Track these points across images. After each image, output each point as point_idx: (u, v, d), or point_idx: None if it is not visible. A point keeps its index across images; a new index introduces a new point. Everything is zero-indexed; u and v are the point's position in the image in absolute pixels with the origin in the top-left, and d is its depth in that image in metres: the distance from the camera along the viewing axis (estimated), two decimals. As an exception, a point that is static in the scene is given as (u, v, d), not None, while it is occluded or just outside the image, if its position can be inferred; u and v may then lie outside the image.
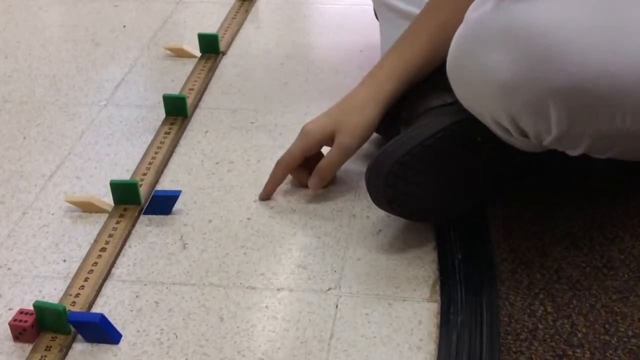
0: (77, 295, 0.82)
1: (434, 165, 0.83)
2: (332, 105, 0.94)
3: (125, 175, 1.01)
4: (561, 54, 0.69)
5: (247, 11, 1.44)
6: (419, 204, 0.85)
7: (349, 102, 0.93)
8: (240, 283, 0.84)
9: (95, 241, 0.90)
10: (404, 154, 0.82)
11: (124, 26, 1.41)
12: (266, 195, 0.94)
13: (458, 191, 0.87)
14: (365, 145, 0.95)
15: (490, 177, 0.88)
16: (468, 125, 0.83)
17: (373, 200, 0.85)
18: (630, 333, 0.74)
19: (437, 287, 0.82)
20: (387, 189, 0.82)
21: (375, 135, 1.01)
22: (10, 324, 0.78)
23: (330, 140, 0.92)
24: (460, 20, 0.80)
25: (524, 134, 0.77)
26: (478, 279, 0.81)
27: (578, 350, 0.72)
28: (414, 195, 0.84)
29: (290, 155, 0.93)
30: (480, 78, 0.75)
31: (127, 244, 0.90)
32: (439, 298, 0.80)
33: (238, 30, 1.38)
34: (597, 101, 0.70)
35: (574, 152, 0.78)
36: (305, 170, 0.95)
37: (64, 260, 0.88)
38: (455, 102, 0.84)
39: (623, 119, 0.72)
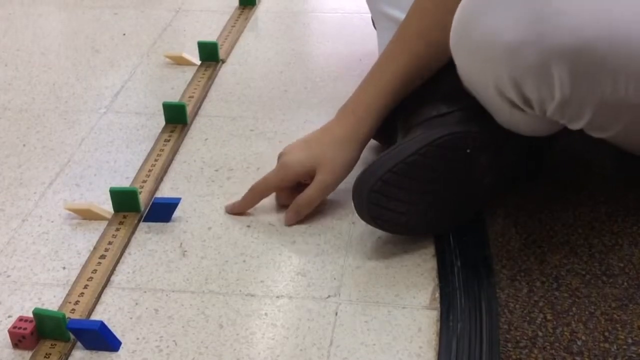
0: (77, 302, 0.82)
1: (418, 182, 0.84)
2: (310, 135, 0.94)
3: (124, 183, 1.01)
4: (564, 13, 0.70)
5: (247, 19, 1.45)
6: (403, 219, 0.85)
7: (329, 138, 0.92)
8: (240, 290, 0.84)
9: (95, 248, 0.90)
10: (385, 171, 0.82)
11: (124, 34, 1.41)
12: (231, 212, 0.94)
13: (445, 206, 0.87)
14: (364, 153, 0.95)
15: (479, 190, 0.88)
16: (456, 138, 0.83)
17: (359, 216, 0.85)
18: (630, 341, 0.74)
19: (437, 295, 0.82)
20: (370, 205, 0.83)
21: (373, 142, 1.01)
22: (9, 331, 0.77)
23: (308, 176, 0.91)
24: (431, 43, 0.82)
25: (528, 104, 0.77)
26: (477, 286, 0.81)
27: (578, 358, 0.72)
28: (398, 211, 0.84)
29: (266, 185, 0.93)
30: (485, 40, 0.75)
31: (127, 251, 0.90)
32: (438, 305, 0.80)
33: (237, 38, 1.38)
34: (599, 63, 0.71)
35: (576, 124, 0.78)
36: (283, 192, 0.94)
37: (64, 268, 0.88)
38: (450, 113, 0.84)
39: (626, 86, 0.72)
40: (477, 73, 0.80)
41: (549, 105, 0.75)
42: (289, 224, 0.92)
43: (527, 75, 0.74)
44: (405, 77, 0.91)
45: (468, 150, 0.84)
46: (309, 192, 0.91)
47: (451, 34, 0.79)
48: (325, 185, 0.91)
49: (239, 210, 0.94)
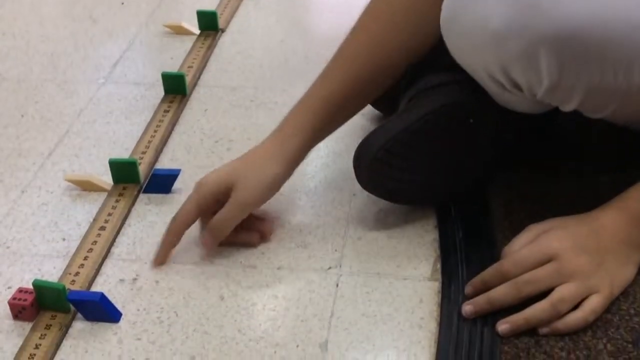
0: (77, 274, 0.82)
1: (420, 150, 0.83)
2: (233, 160, 0.87)
3: (124, 154, 1.00)
4: (550, 1, 0.69)
5: (247, -12, 1.43)
6: (406, 188, 0.85)
7: (250, 156, 0.85)
8: (241, 262, 0.83)
9: (95, 220, 0.89)
10: (389, 139, 0.81)
11: (122, 3, 1.40)
12: (160, 261, 0.84)
13: (447, 176, 0.86)
14: (365, 123, 0.94)
15: (481, 160, 0.87)
16: (459, 107, 0.83)
17: (361, 185, 0.84)
18: (632, 311, 0.74)
19: (438, 266, 0.82)
20: (373, 174, 0.82)
21: (375, 112, 1.01)
22: (9, 303, 0.77)
23: (226, 195, 0.83)
24: (373, 63, 0.82)
25: (518, 87, 0.77)
26: (479, 257, 0.81)
27: (580, 330, 0.72)
28: (401, 180, 0.84)
29: (183, 211, 0.84)
30: (474, 27, 0.74)
31: (127, 222, 0.90)
32: (440, 276, 0.80)
33: (237, 7, 1.37)
34: (586, 51, 0.70)
35: (567, 107, 0.77)
36: (207, 219, 0.84)
37: (63, 239, 0.88)
38: (453, 82, 0.84)
39: (615, 72, 0.72)
40: (467, 57, 0.79)
41: (538, 90, 0.75)
42: (207, 248, 0.84)
43: (514, 61, 0.74)
44: (341, 98, 0.85)
45: (470, 120, 0.83)
46: (224, 211, 0.82)
47: (441, 17, 0.78)
48: (240, 203, 0.82)
49: (165, 252, 0.84)
